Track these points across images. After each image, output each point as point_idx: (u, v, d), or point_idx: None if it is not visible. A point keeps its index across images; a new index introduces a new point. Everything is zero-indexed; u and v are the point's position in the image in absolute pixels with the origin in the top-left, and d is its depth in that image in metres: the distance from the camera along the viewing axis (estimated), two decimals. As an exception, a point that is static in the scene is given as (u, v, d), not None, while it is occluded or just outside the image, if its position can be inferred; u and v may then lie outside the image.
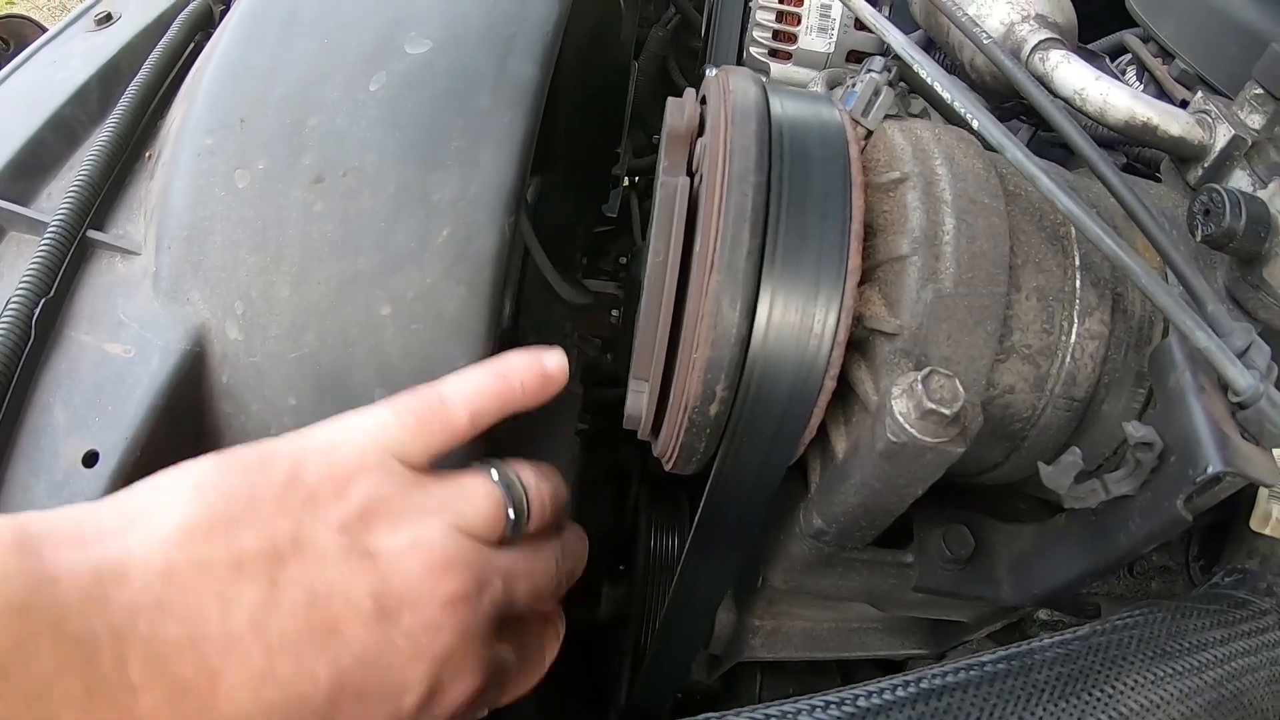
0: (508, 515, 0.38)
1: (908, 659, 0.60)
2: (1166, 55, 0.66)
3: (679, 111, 0.44)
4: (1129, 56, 0.70)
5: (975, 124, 0.44)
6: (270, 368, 0.45)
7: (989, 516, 0.53)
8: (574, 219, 0.77)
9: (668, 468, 0.47)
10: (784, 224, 0.40)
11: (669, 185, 0.41)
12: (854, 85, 0.48)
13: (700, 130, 0.44)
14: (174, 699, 0.28)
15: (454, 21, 0.51)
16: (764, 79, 0.48)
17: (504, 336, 0.61)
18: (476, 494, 0.37)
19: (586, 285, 0.64)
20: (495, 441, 0.44)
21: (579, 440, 0.62)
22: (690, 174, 0.43)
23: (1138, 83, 0.66)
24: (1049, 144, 0.62)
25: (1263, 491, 0.52)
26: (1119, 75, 0.65)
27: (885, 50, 0.54)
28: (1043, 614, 0.56)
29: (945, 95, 0.45)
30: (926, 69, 0.46)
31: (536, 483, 0.40)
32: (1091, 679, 0.41)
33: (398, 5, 0.52)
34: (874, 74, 0.47)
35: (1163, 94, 0.64)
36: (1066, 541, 0.48)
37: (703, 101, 0.47)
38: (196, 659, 0.28)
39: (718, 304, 0.39)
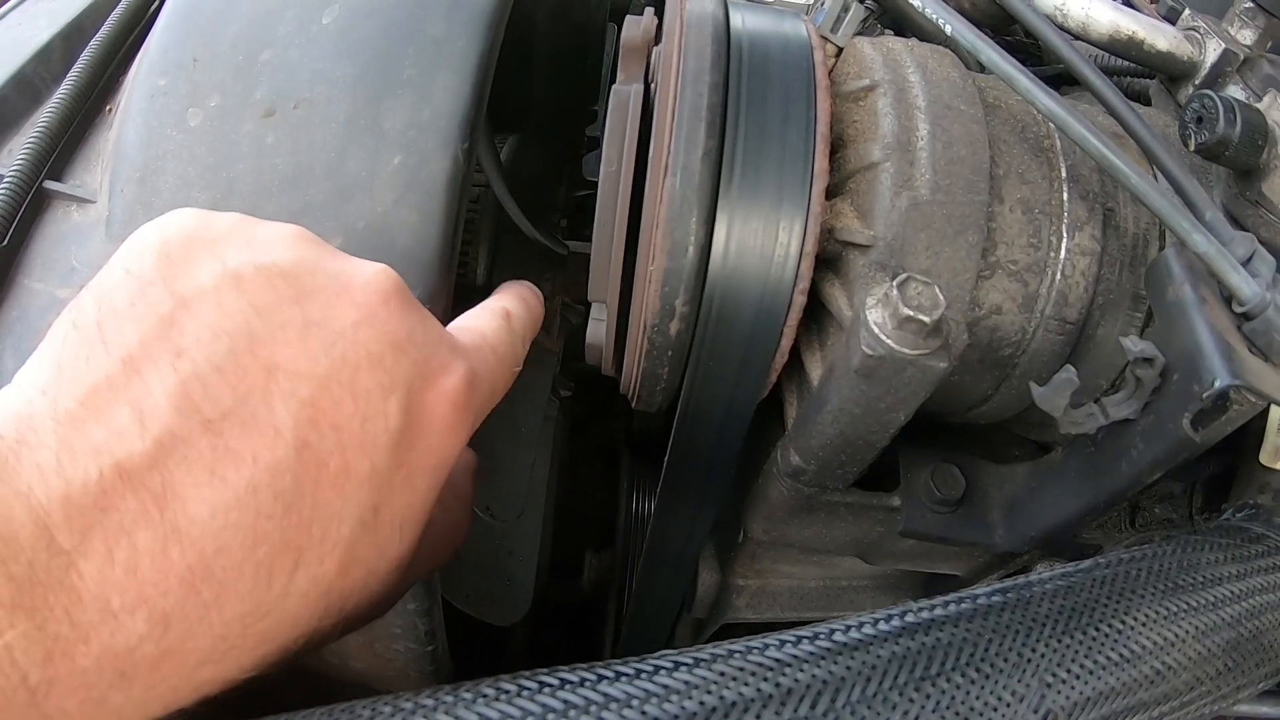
0: None
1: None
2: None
3: (635, 25, 0.42)
4: (1120, -1, 0.67)
5: (949, 29, 0.42)
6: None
7: (981, 459, 0.49)
8: (550, 177, 0.75)
9: (634, 403, 0.44)
10: (743, 127, 0.38)
11: (621, 93, 0.39)
12: (823, 4, 0.46)
13: (658, 40, 0.43)
14: (116, 547, 0.22)
15: (410, -48, 0.49)
16: None
17: (480, 290, 0.59)
18: None
19: (567, 245, 0.62)
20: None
21: (556, 401, 0.59)
22: (646, 84, 0.41)
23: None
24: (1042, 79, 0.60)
25: (1272, 425, 0.48)
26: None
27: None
28: (1042, 568, 0.52)
29: (916, 2, 0.43)
30: (897, -22, 0.44)
31: None
32: (1098, 613, 0.37)
33: (354, -61, 0.50)
34: (843, -12, 0.45)
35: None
36: (1064, 477, 0.45)
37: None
38: (130, 489, 0.23)
39: (673, 209, 0.37)
